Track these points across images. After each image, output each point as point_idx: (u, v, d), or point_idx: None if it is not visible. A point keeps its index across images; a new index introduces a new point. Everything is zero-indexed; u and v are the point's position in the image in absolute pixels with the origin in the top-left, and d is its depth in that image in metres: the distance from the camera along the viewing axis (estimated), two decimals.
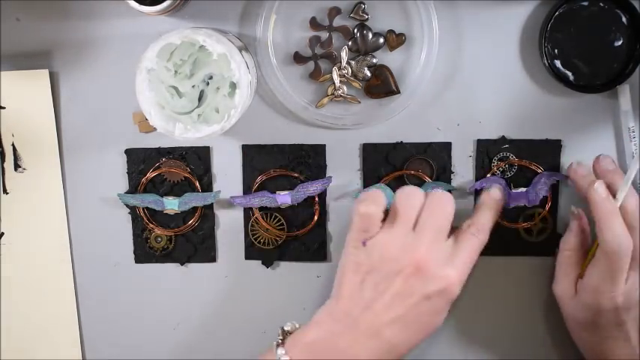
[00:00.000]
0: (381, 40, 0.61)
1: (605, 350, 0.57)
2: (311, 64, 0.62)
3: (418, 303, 0.53)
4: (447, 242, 0.56)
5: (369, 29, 0.61)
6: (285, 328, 0.56)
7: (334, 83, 0.61)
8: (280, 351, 0.54)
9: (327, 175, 0.63)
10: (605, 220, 0.55)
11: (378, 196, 0.56)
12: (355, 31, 0.61)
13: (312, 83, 0.62)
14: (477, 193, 0.64)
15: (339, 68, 0.61)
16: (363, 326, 0.53)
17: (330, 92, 0.62)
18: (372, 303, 0.54)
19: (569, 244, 0.61)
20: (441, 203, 0.55)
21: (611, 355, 0.57)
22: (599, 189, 0.56)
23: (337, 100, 0.62)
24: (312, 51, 0.62)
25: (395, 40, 0.61)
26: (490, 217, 0.59)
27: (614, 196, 0.56)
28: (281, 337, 0.56)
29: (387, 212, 0.56)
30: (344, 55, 0.61)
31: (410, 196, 0.56)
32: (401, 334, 0.54)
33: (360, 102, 0.62)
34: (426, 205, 0.55)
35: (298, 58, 0.62)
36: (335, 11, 0.61)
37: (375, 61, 0.61)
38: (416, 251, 0.54)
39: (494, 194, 0.60)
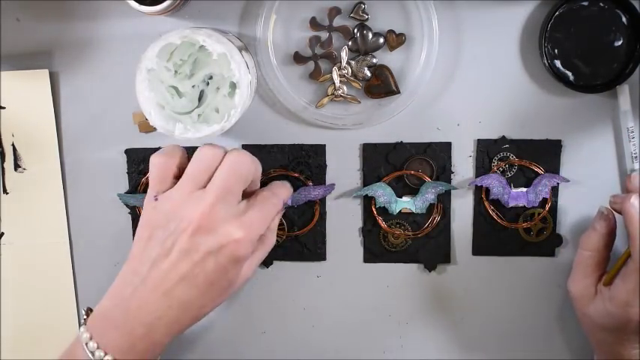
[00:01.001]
0: (381, 40, 0.61)
1: (622, 351, 0.57)
2: (311, 64, 0.62)
3: (203, 260, 0.52)
4: (239, 204, 0.55)
5: (369, 29, 0.61)
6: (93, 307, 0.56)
7: (334, 83, 0.62)
8: (82, 329, 0.54)
9: (330, 183, 0.63)
10: None
11: (175, 150, 0.56)
12: (355, 31, 0.61)
13: (312, 83, 0.62)
14: (477, 189, 0.64)
15: (339, 68, 0.61)
16: (151, 284, 0.53)
17: (330, 92, 0.62)
18: (159, 260, 0.53)
19: (591, 244, 0.59)
20: (235, 164, 0.54)
21: (627, 356, 0.56)
22: (635, 203, 0.55)
23: (337, 100, 0.62)
24: (312, 51, 0.62)
25: (395, 40, 0.61)
26: (287, 190, 0.60)
27: None
28: (85, 317, 0.56)
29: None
30: (344, 55, 0.61)
31: (203, 155, 0.55)
32: (191, 292, 0.53)
33: (360, 102, 0.62)
34: (220, 165, 0.54)
35: (298, 58, 0.62)
36: (335, 11, 0.61)
37: (375, 61, 0.61)
38: (199, 208, 0.53)
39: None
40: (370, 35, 0.61)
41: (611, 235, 0.59)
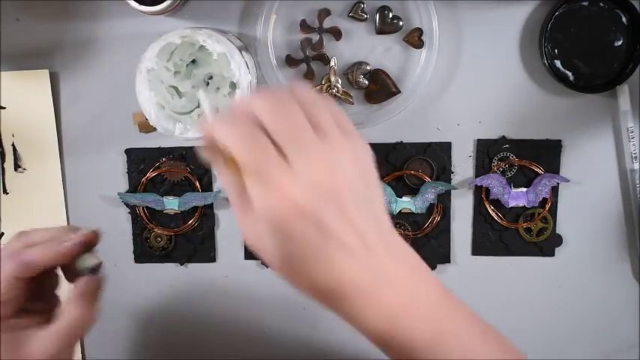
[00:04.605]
0: (401, 23, 0.60)
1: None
2: (304, 67, 0.62)
3: None
4: None
5: (390, 10, 0.60)
6: None
7: (330, 81, 0.61)
8: None
9: None
10: None
11: None
12: (376, 12, 0.60)
13: (311, 83, 0.62)
14: (477, 189, 0.64)
15: (329, 87, 0.61)
16: None
17: (324, 90, 0.62)
18: None
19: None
20: None
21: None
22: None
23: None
24: (304, 53, 0.61)
25: (417, 40, 0.61)
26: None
27: None
28: None
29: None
30: (333, 79, 0.61)
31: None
32: None
33: (353, 103, 0.62)
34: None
35: (290, 61, 0.62)
36: (324, 13, 0.61)
37: (368, 68, 0.61)
38: None
39: None
40: (390, 15, 0.60)
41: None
